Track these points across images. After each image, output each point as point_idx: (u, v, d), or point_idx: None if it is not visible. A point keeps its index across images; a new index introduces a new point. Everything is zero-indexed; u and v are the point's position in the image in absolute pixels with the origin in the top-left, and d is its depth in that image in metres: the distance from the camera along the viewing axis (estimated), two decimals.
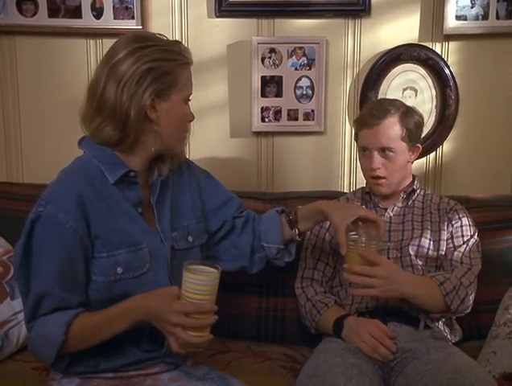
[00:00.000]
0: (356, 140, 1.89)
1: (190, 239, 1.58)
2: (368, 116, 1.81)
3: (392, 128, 1.77)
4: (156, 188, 1.51)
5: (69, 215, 1.35)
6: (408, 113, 1.81)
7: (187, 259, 1.40)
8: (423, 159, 2.22)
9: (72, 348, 1.37)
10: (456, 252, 1.77)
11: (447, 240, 1.79)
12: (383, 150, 1.78)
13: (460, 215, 1.83)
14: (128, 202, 1.44)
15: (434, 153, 2.25)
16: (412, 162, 1.89)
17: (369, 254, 1.56)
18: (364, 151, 1.83)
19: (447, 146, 2.25)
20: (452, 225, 1.81)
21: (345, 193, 2.06)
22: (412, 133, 1.80)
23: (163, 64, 1.39)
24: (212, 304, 1.30)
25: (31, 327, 1.40)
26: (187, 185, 1.62)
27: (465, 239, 1.79)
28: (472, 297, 1.72)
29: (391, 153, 1.78)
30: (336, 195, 2.02)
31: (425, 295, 1.63)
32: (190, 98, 1.50)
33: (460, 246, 1.78)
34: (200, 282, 1.27)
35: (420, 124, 1.85)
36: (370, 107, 1.86)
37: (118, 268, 1.41)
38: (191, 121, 1.52)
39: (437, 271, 1.76)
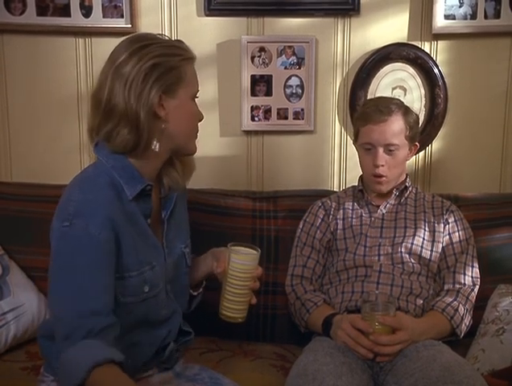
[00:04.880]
0: (355, 137, 1.89)
1: (191, 256, 1.59)
2: (374, 112, 1.80)
3: (398, 124, 1.79)
4: (171, 203, 1.48)
5: (100, 227, 1.27)
6: (408, 111, 1.83)
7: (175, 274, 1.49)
8: (413, 158, 2.23)
9: None
10: (458, 264, 1.79)
11: (445, 244, 1.81)
12: (388, 147, 1.78)
13: (457, 218, 1.85)
14: (142, 215, 1.40)
15: (423, 151, 2.25)
16: (407, 160, 1.90)
17: (391, 321, 1.55)
18: (367, 148, 1.82)
19: (436, 145, 2.26)
20: (449, 229, 1.83)
21: (335, 192, 2.06)
22: (413, 131, 1.83)
23: (167, 60, 1.35)
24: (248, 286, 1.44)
25: (68, 345, 1.25)
26: (185, 206, 1.61)
27: (463, 246, 1.81)
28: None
29: (395, 150, 1.79)
30: (326, 194, 2.03)
31: (439, 333, 1.67)
32: (197, 96, 1.45)
33: (461, 255, 1.80)
34: (244, 262, 1.43)
35: (418, 122, 1.89)
36: (374, 104, 1.85)
37: (145, 287, 1.37)
38: (200, 120, 1.47)
39: (429, 271, 1.79)
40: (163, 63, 1.34)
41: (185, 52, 1.40)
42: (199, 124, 1.47)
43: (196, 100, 1.44)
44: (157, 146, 1.37)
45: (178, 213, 1.53)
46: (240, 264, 1.42)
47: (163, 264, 1.44)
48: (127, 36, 1.42)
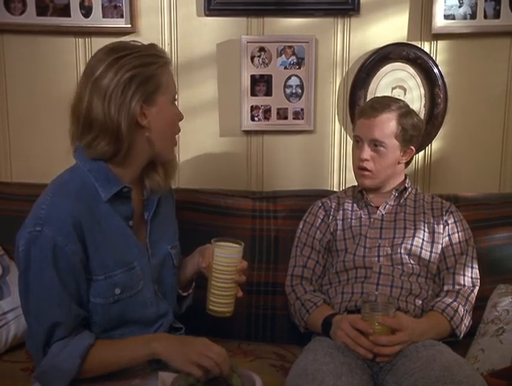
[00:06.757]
0: (353, 129, 1.92)
1: (181, 257, 1.62)
2: (368, 107, 1.84)
3: (388, 123, 1.79)
4: (153, 204, 1.52)
5: (67, 238, 1.33)
6: (408, 114, 1.83)
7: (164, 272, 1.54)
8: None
9: (89, 376, 1.37)
10: (457, 265, 1.79)
11: (445, 245, 1.81)
12: (374, 144, 1.80)
13: (456, 219, 1.85)
14: (120, 217, 1.43)
15: (423, 151, 2.25)
16: (406, 164, 1.90)
17: (391, 322, 1.55)
18: (357, 141, 1.86)
19: (436, 145, 2.26)
20: (449, 230, 1.83)
21: (335, 192, 2.06)
22: (407, 134, 1.82)
23: (145, 70, 1.38)
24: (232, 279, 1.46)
25: (44, 354, 1.38)
26: (172, 208, 1.66)
27: (463, 247, 1.81)
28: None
29: (382, 148, 1.80)
30: (325, 194, 2.03)
31: (438, 333, 1.67)
32: (176, 98, 1.49)
33: (461, 256, 1.80)
34: (228, 255, 1.45)
35: (418, 127, 1.86)
36: (373, 100, 1.90)
37: (116, 289, 1.41)
38: (180, 120, 1.52)
39: (429, 272, 1.79)
40: (141, 73, 1.37)
41: (160, 59, 1.43)
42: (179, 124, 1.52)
43: (175, 101, 1.49)
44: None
45: (163, 214, 1.56)
46: (224, 257, 1.44)
47: (146, 264, 1.48)
48: (101, 48, 1.43)
